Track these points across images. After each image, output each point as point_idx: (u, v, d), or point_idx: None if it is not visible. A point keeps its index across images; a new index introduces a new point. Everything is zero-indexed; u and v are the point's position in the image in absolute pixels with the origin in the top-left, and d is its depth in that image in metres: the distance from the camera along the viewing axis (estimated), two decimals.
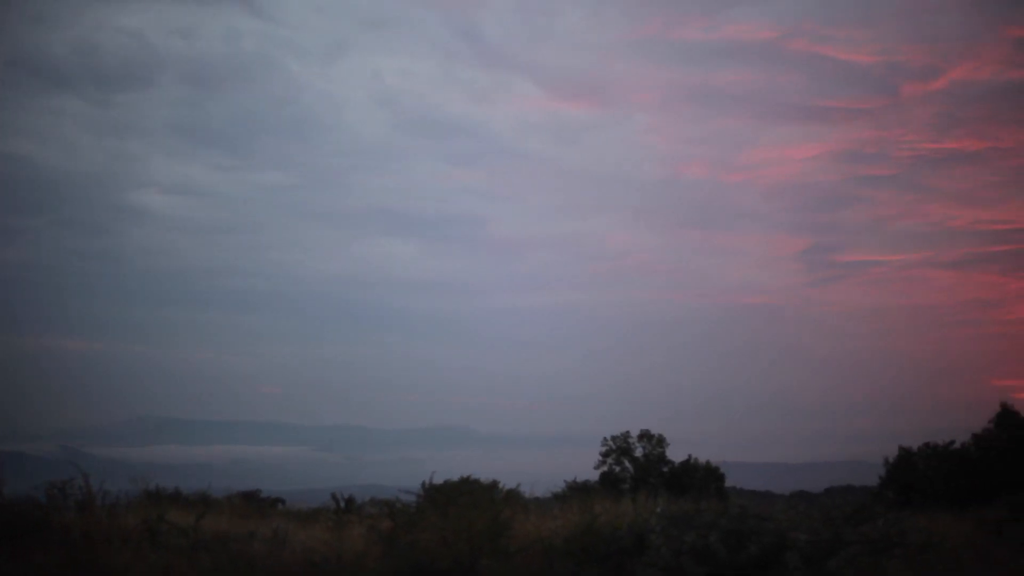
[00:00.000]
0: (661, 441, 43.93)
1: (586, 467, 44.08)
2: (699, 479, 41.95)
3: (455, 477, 21.44)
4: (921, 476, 41.34)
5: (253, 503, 37.51)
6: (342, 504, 32.15)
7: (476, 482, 21.42)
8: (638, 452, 43.78)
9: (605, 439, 44.28)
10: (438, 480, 20.72)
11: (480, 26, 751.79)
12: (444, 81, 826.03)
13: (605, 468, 43.71)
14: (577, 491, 36.97)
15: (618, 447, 43.85)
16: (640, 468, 43.16)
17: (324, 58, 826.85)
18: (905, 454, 42.55)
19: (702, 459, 44.06)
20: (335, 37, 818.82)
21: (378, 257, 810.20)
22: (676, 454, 44.06)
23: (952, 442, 42.32)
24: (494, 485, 23.99)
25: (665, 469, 43.17)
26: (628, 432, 44.18)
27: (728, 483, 45.54)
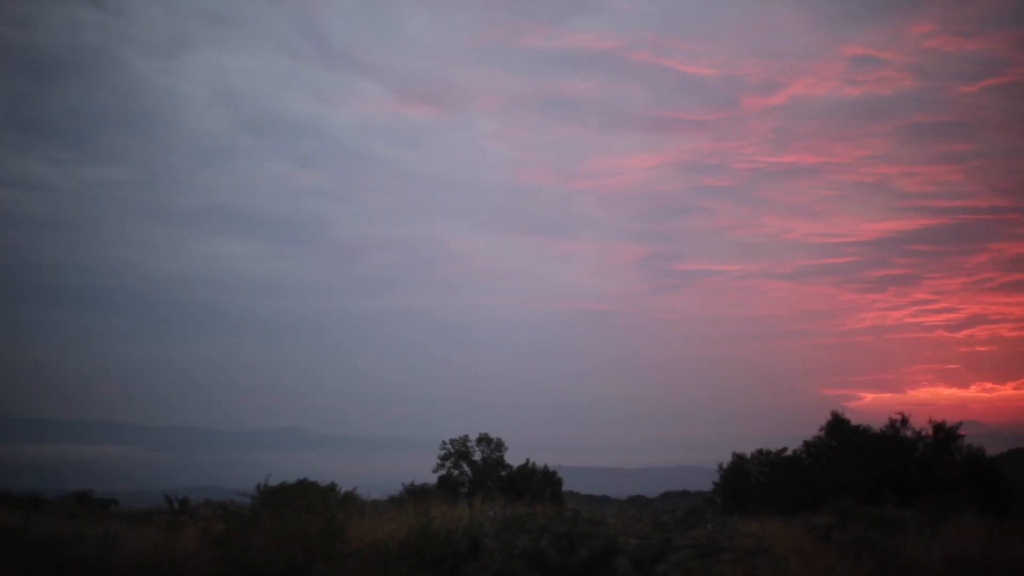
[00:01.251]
0: (499, 445, 44.03)
1: (425, 470, 43.96)
2: (536, 483, 42.12)
3: (293, 479, 21.14)
4: (754, 482, 42.15)
5: (85, 504, 36.68)
6: (176, 506, 31.53)
7: (313, 484, 21.11)
8: (477, 456, 43.80)
9: (444, 442, 44.22)
10: (274, 482, 20.37)
11: (325, 26, 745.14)
12: (288, 80, 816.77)
13: (443, 471, 43.64)
14: (415, 494, 36.76)
15: (457, 451, 43.82)
16: (478, 472, 43.18)
17: (166, 53, 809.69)
18: (739, 460, 43.37)
19: (540, 463, 44.28)
20: (178, 32, 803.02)
21: (219, 257, 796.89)
22: (514, 458, 44.25)
23: (784, 449, 43.28)
24: (331, 488, 23.69)
25: (503, 473, 43.27)
26: (467, 436, 44.20)
27: (566, 487, 45.82)
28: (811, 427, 43.76)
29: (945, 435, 41.76)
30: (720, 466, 44.08)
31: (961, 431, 42.22)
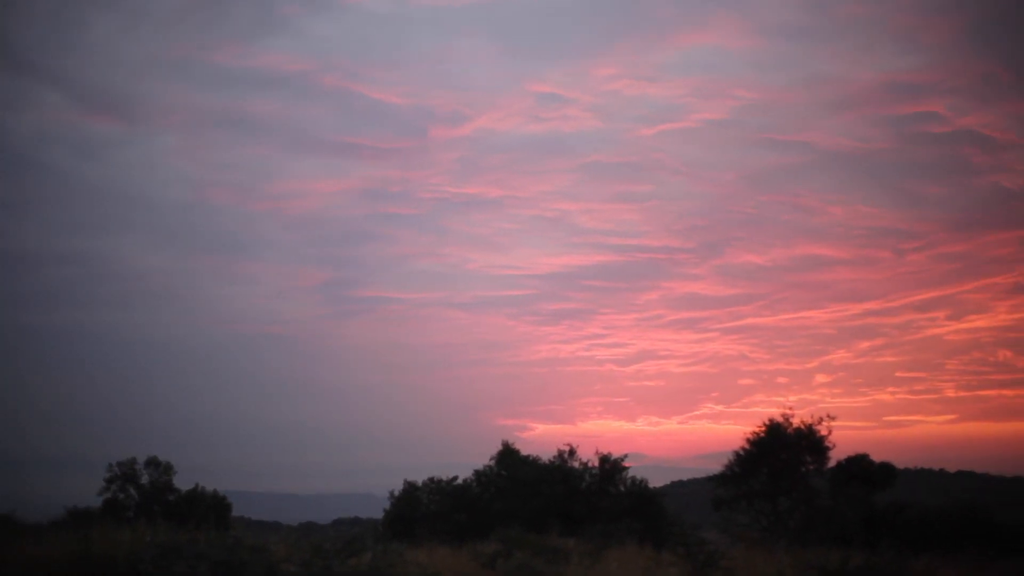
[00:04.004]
0: (168, 469, 42.82)
1: (91, 493, 42.38)
2: (204, 508, 41.13)
3: None
4: (425, 510, 42.22)
5: None
6: None
7: None
8: (144, 479, 42.47)
9: (111, 465, 42.70)
10: None
11: (4, 29, 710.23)
12: None
13: (109, 495, 42.12)
14: (77, 518, 35.37)
15: (123, 473, 42.38)
16: (145, 496, 41.89)
17: None
18: (410, 488, 43.30)
19: (210, 488, 43.28)
20: None
21: None
22: (184, 482, 43.09)
23: (455, 478, 43.53)
24: None
25: (171, 497, 42.09)
26: (135, 459, 42.82)
27: (236, 513, 44.97)
28: (485, 456, 44.25)
29: (611, 466, 43.03)
30: (391, 493, 43.96)
31: (626, 463, 43.60)
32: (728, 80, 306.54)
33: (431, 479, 43.59)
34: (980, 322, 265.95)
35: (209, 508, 41.33)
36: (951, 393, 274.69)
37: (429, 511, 42.14)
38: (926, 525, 39.10)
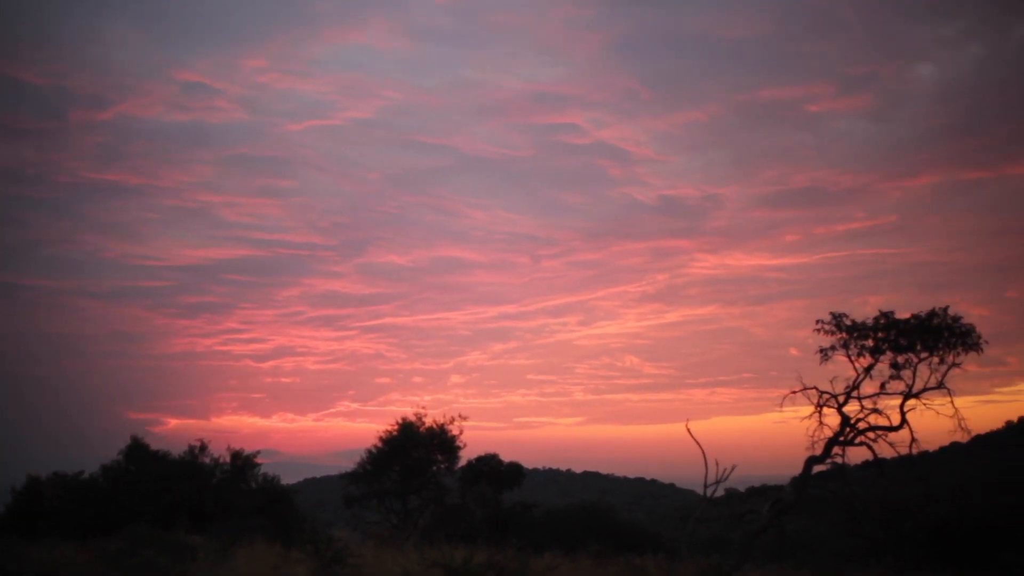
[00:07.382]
0: None
1: None
2: None
3: None
4: (49, 505, 40.97)
5: None
6: None
7: None
8: None
9: None
10: None
11: None
12: None
13: None
14: None
15: None
16: None
17: None
18: (33, 483, 41.92)
19: None
20: None
21: None
22: None
23: (81, 472, 42.38)
24: None
25: None
26: None
27: None
28: (115, 451, 43.27)
29: (242, 463, 42.96)
30: (13, 488, 42.38)
31: (259, 459, 43.62)
32: (377, 80, 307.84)
33: (56, 474, 42.33)
34: (609, 328, 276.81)
35: None
36: (580, 396, 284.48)
37: (53, 507, 40.89)
38: (552, 523, 41.00)
